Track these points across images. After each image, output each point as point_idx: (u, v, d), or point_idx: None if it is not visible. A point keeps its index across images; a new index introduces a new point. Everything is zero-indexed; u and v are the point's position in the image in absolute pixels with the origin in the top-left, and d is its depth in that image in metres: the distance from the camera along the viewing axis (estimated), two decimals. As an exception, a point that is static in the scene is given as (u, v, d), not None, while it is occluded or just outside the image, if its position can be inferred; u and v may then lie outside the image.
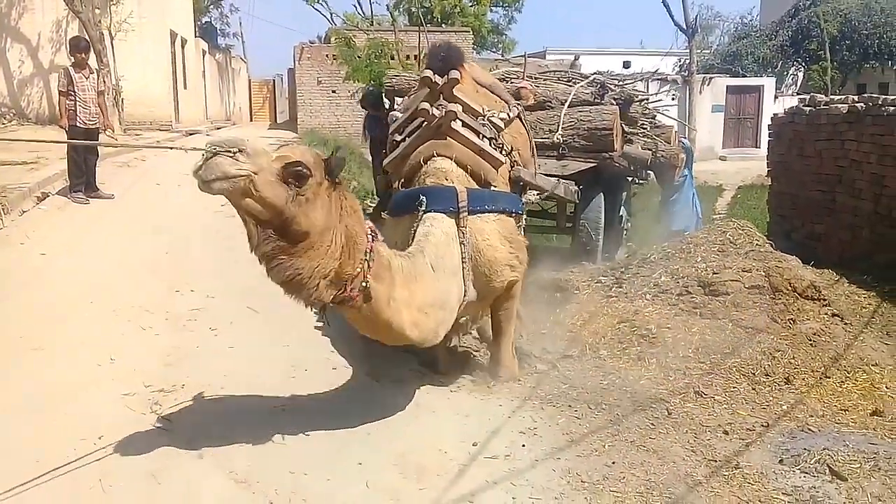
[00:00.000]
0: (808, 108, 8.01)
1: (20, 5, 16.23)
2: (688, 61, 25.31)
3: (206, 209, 7.69)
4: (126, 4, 15.82)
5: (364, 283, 3.22)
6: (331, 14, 27.57)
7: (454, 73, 4.26)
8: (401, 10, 36.52)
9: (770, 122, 8.88)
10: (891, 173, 6.68)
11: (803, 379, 4.46)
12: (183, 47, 20.83)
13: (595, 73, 8.29)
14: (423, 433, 3.81)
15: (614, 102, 7.23)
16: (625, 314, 5.31)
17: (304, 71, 22.78)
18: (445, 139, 4.25)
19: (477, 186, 4.23)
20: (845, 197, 7.39)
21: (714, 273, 5.48)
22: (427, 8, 34.62)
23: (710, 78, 24.78)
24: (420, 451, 3.61)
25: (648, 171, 8.49)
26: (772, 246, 6.38)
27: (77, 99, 7.97)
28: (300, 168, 2.87)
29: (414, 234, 3.92)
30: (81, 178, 7.85)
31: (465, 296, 4.00)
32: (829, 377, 4.47)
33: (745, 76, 27.44)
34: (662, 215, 9.99)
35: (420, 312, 3.60)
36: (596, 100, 7.23)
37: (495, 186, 4.39)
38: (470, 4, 35.00)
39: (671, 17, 24.83)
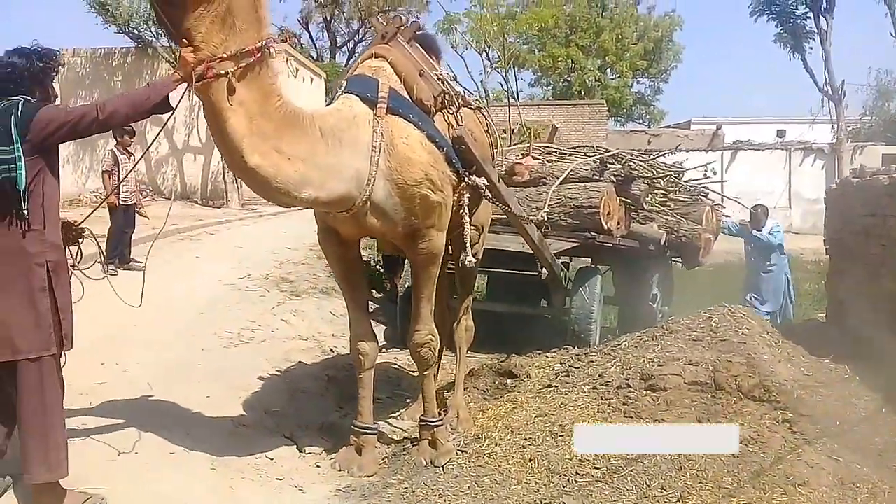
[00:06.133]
0: (856, 180, 7.10)
1: (159, 94, 18.17)
2: (838, 128, 23.35)
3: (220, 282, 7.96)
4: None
5: (225, 73, 3.23)
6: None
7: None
8: (542, 85, 36.99)
9: (825, 195, 7.94)
10: (927, 255, 5.73)
11: (701, 496, 3.82)
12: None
13: (616, 150, 7.76)
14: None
15: (613, 180, 6.81)
16: (549, 407, 4.85)
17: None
18: (388, 46, 4.27)
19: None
20: (890, 282, 6.40)
21: (659, 365, 4.91)
22: (569, 82, 34.85)
23: (863, 146, 22.65)
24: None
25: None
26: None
27: (120, 178, 8.44)
28: None
29: None
30: (116, 250, 8.34)
31: (370, 183, 3.83)
32: (734, 496, 3.80)
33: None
34: (743, 298, 9.18)
35: (279, 153, 3.51)
36: (594, 176, 6.86)
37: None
38: (612, 78, 34.72)
39: (815, 82, 23.28)
